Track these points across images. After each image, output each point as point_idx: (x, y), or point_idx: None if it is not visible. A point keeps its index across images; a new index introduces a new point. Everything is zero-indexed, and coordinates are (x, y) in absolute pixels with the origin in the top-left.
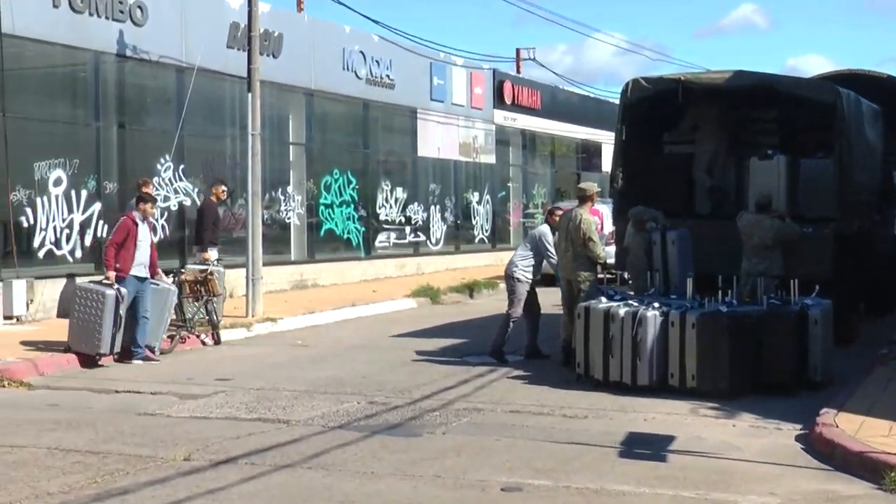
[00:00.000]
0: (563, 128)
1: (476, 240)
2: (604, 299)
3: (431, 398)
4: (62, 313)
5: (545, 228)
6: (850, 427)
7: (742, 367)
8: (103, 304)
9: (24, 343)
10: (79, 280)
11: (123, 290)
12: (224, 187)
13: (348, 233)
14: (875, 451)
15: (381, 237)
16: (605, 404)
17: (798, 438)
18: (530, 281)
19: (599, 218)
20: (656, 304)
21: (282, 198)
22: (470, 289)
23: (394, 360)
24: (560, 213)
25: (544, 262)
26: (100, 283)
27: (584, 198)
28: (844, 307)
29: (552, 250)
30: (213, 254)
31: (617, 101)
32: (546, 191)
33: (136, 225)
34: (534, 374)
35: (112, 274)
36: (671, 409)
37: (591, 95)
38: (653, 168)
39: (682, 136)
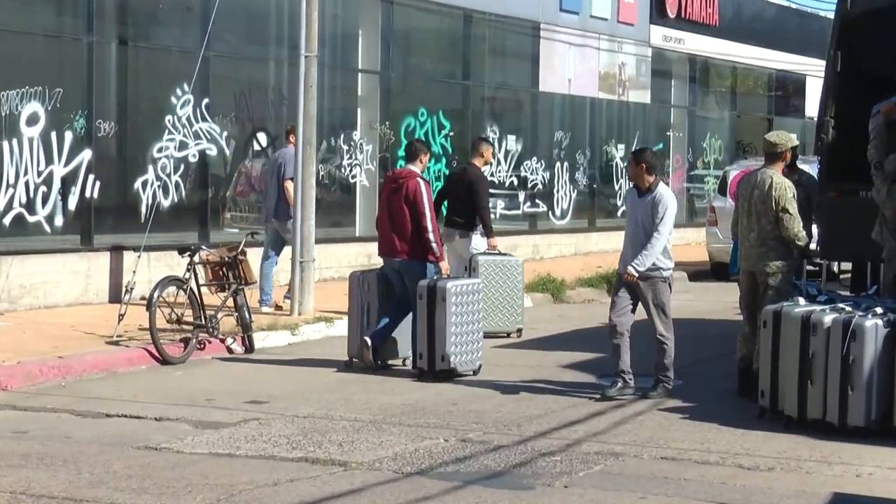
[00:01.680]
0: (750, 53)
1: (619, 212)
2: (802, 301)
3: (549, 436)
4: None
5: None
6: None
7: None
8: None
9: None
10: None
11: None
12: (490, 147)
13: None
14: None
15: None
16: (801, 452)
17: None
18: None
19: None
20: (879, 310)
21: (345, 147)
22: (609, 283)
23: (497, 381)
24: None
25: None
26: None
27: (774, 154)
28: None
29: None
30: (487, 242)
31: (831, 15)
32: (721, 144)
33: None
34: (698, 405)
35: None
36: None
37: (794, 6)
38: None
39: None
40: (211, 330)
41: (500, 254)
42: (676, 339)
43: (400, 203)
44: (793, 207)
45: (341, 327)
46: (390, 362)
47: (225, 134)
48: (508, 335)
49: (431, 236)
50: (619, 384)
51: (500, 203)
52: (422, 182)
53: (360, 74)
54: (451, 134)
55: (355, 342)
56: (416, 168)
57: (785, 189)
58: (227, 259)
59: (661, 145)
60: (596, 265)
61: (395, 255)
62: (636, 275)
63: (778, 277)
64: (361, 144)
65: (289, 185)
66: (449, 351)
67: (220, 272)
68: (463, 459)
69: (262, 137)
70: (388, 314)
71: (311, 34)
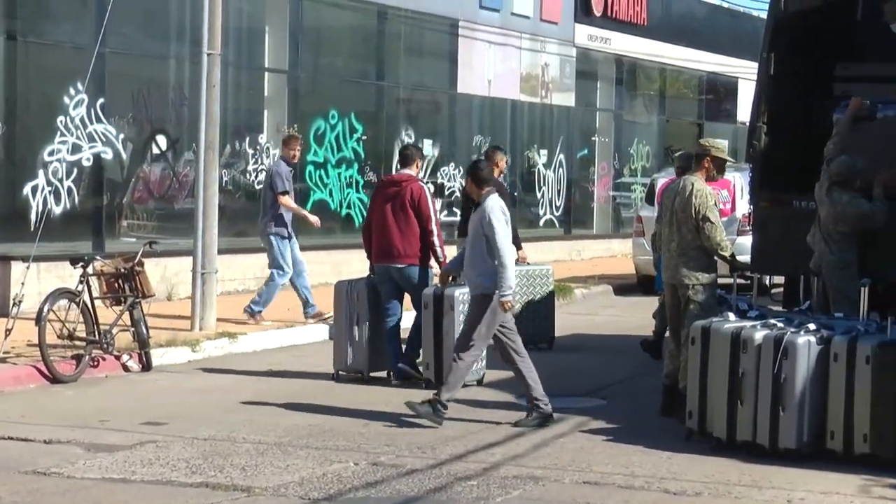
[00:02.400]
0: (680, 54)
1: (542, 222)
2: (732, 316)
3: (465, 459)
4: None
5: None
6: None
7: None
8: None
9: None
10: None
11: None
12: (504, 156)
13: (348, 206)
14: None
15: None
16: (730, 476)
17: None
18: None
19: (729, 192)
20: (812, 326)
21: (250, 152)
22: None
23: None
24: None
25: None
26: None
27: (699, 157)
28: None
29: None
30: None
31: (764, 15)
32: (650, 150)
33: None
34: (623, 426)
35: None
36: (830, 487)
37: (726, 6)
38: (817, 119)
39: (869, 69)
40: (105, 346)
41: (528, 264)
42: (604, 355)
43: (403, 207)
44: (714, 216)
45: (245, 343)
46: (373, 374)
47: (122, 136)
48: (536, 345)
49: (437, 240)
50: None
51: None
52: (424, 186)
53: (266, 74)
54: (364, 137)
55: (342, 354)
56: (412, 173)
57: (706, 196)
58: (122, 270)
59: (585, 151)
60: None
61: (393, 261)
62: (513, 305)
63: (699, 290)
64: (268, 148)
65: (282, 199)
66: None
67: (116, 284)
68: (374, 484)
69: (162, 140)
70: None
71: (213, 30)
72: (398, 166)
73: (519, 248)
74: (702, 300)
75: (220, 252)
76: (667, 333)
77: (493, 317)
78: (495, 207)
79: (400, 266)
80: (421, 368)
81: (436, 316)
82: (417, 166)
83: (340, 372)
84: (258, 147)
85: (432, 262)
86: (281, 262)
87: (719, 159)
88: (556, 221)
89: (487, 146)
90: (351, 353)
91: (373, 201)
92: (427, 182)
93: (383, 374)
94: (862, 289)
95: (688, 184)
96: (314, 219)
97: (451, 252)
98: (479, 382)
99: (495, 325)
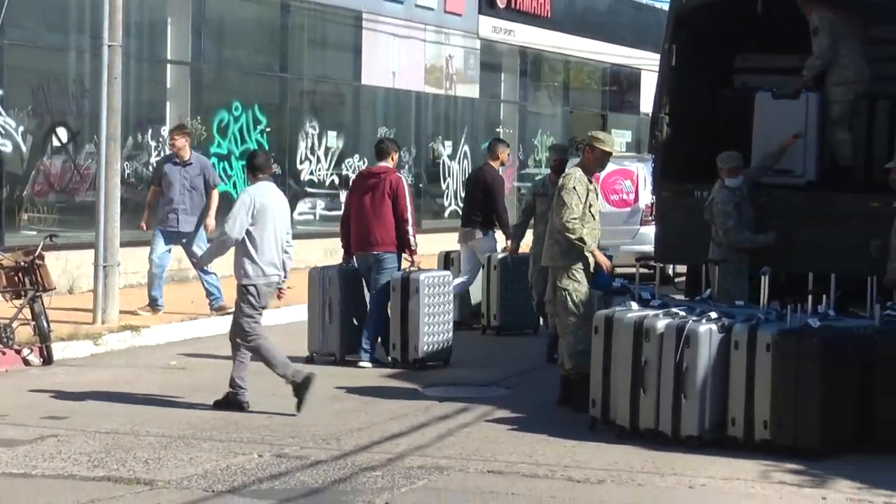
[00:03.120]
0: (584, 46)
1: (447, 212)
2: (634, 305)
3: (370, 450)
4: None
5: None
6: None
7: (840, 412)
8: None
9: None
10: None
11: None
12: (506, 148)
13: None
14: None
15: (304, 206)
16: (633, 463)
17: None
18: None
19: (632, 182)
20: (713, 315)
21: (152, 144)
22: None
23: (316, 393)
24: None
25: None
26: None
27: (585, 146)
28: None
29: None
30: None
31: (666, 7)
32: (554, 141)
33: None
34: (527, 416)
35: None
36: (731, 473)
37: None
38: (718, 110)
39: (768, 60)
40: (5, 340)
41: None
42: (507, 347)
43: (381, 197)
44: (568, 197)
45: (148, 336)
46: (348, 358)
47: (21, 129)
48: (522, 332)
49: (411, 230)
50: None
51: (321, 203)
52: (402, 178)
53: (168, 66)
54: (268, 129)
55: (316, 337)
56: (389, 165)
57: (567, 178)
58: (23, 264)
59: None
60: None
61: (370, 248)
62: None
63: (562, 274)
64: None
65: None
66: (422, 341)
67: (16, 278)
68: (278, 476)
69: (63, 132)
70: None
71: (114, 22)
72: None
73: (508, 236)
74: (568, 286)
75: (123, 245)
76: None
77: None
78: (243, 195)
79: (376, 252)
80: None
81: (402, 299)
82: (393, 158)
83: (315, 354)
84: (160, 139)
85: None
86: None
87: (598, 150)
88: (460, 213)
89: (491, 142)
90: (324, 336)
91: (351, 194)
92: (332, 174)
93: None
94: (762, 277)
95: (569, 174)
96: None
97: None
98: (446, 362)
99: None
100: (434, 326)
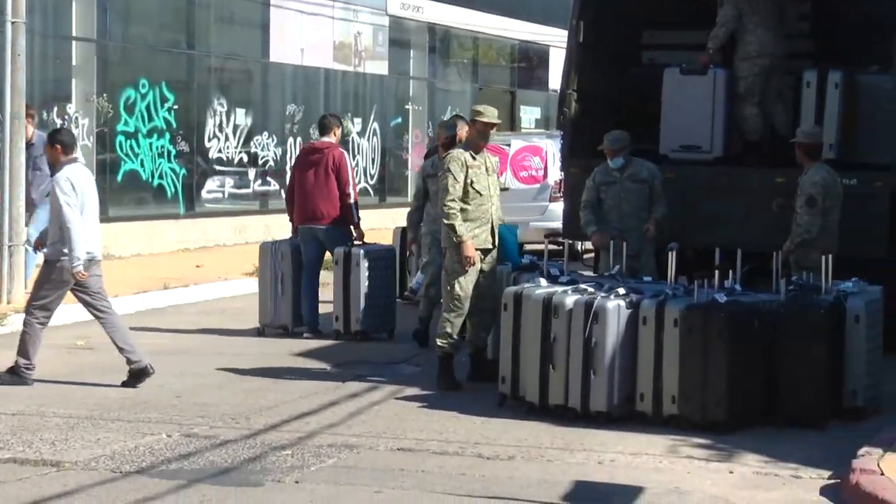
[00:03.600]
0: (492, 23)
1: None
2: (543, 282)
3: (280, 429)
4: None
5: None
6: None
7: (746, 387)
8: None
9: None
10: None
11: None
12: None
13: (160, 177)
14: None
15: (212, 184)
16: (542, 440)
17: (825, 491)
18: None
19: (541, 159)
20: (622, 290)
21: (58, 122)
22: None
23: (224, 372)
24: None
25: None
26: None
27: (473, 121)
28: None
29: None
30: None
31: None
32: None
33: None
34: (437, 393)
35: None
36: (640, 448)
37: None
38: (626, 86)
39: (675, 36)
40: None
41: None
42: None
43: (325, 172)
44: (444, 180)
45: (55, 316)
46: (296, 329)
47: None
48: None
49: (353, 203)
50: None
51: (229, 181)
52: (344, 153)
53: (74, 42)
54: (176, 107)
55: (267, 310)
56: (332, 140)
57: (445, 160)
58: None
59: (399, 119)
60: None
61: (317, 222)
62: (81, 272)
63: (446, 255)
64: (77, 118)
65: None
66: (362, 314)
67: None
68: (187, 456)
69: None
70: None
71: None
72: (318, 135)
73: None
74: (447, 264)
75: (28, 224)
76: None
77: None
78: (60, 179)
79: (324, 227)
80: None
81: (344, 272)
82: (335, 134)
83: (266, 326)
84: (67, 117)
85: None
86: None
87: (479, 122)
88: (370, 189)
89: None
90: (275, 309)
91: (295, 168)
92: (241, 152)
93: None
94: (670, 252)
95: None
96: None
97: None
98: (390, 335)
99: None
100: (376, 300)
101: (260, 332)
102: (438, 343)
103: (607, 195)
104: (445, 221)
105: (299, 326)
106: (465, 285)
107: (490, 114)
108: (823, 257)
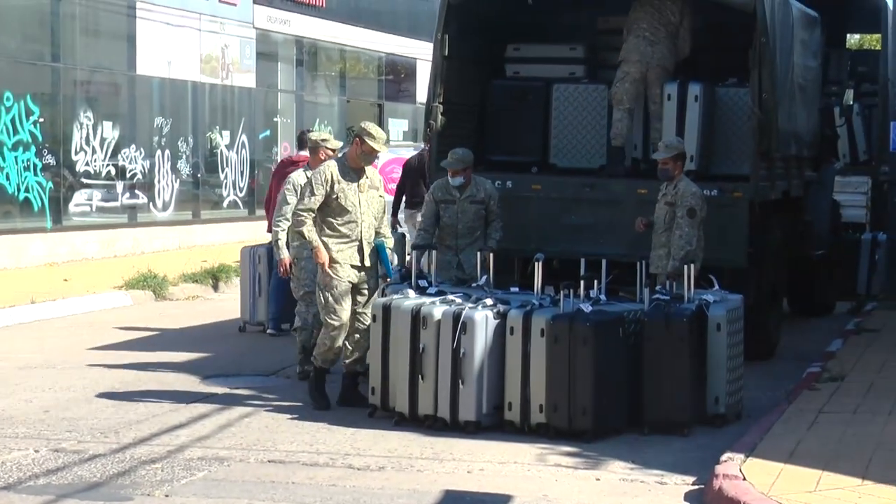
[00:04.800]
0: (359, 36)
1: (226, 202)
2: (411, 293)
3: (150, 443)
4: None
5: None
6: (763, 479)
7: (612, 395)
8: None
9: None
10: None
11: None
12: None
13: (26, 190)
14: None
15: (80, 198)
16: (412, 450)
17: (689, 497)
18: None
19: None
20: (489, 301)
21: None
22: (215, 277)
23: (94, 386)
24: None
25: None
26: None
27: (314, 149)
28: (761, 305)
29: None
30: None
31: None
32: (332, 130)
33: None
34: (307, 404)
35: None
36: (508, 456)
37: None
38: (490, 98)
39: (537, 50)
40: None
41: None
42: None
43: None
44: (304, 189)
45: None
46: (284, 326)
47: None
48: None
49: None
50: None
51: (97, 194)
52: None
53: None
54: (41, 120)
55: (247, 309)
56: (307, 154)
57: (301, 175)
58: None
59: (267, 132)
60: (201, 259)
61: None
62: None
63: (319, 270)
64: None
65: None
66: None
67: None
68: (55, 471)
69: None
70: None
71: None
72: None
73: None
74: (318, 280)
75: None
76: None
77: None
78: None
79: None
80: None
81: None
82: None
83: (246, 323)
84: None
85: None
86: None
87: (368, 146)
88: (239, 202)
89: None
90: (253, 308)
91: (273, 178)
92: (108, 165)
93: (286, 325)
94: (535, 263)
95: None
96: None
97: None
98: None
99: None
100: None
101: (241, 329)
102: (312, 358)
103: (445, 213)
104: (294, 229)
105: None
106: (338, 296)
107: (378, 140)
108: (686, 267)
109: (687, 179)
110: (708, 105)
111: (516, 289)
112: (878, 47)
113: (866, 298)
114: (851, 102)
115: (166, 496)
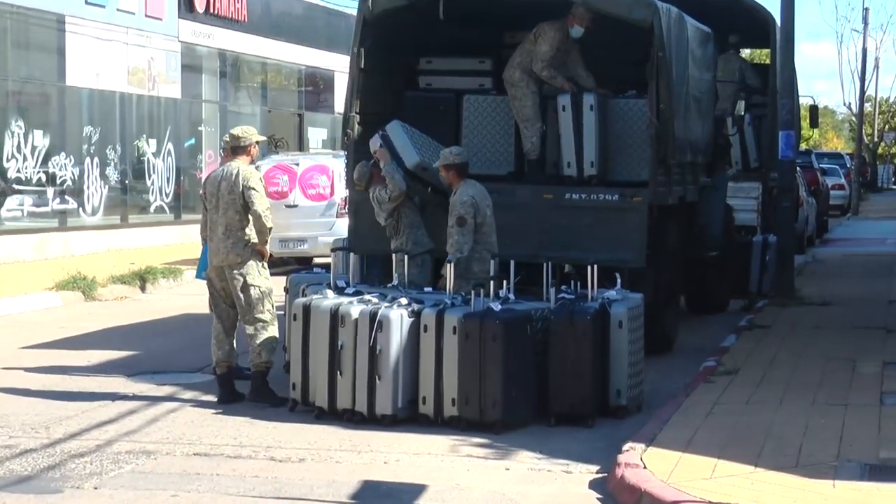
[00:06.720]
0: (280, 50)
1: (152, 208)
2: (330, 293)
3: (79, 437)
4: None
5: None
6: (662, 467)
7: (520, 389)
8: None
9: None
10: None
11: None
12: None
13: None
14: (694, 500)
15: (11, 203)
16: (331, 442)
17: (593, 485)
18: None
19: (328, 177)
20: (404, 300)
21: None
22: (142, 279)
23: (25, 384)
24: None
25: None
26: None
27: (238, 148)
28: (659, 303)
29: None
30: None
31: (356, 13)
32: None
33: None
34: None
35: None
36: (423, 448)
37: (322, 4)
38: (404, 109)
39: (449, 63)
40: None
41: None
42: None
43: None
44: (260, 187)
45: None
46: None
47: None
48: None
49: None
50: None
51: (28, 200)
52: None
53: None
54: None
55: None
56: None
57: (251, 173)
58: None
59: (193, 140)
60: (129, 262)
61: None
62: None
63: (250, 268)
64: None
65: None
66: None
67: None
68: None
69: None
70: None
71: None
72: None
73: None
74: (256, 281)
75: None
76: (214, 322)
77: None
78: None
79: None
80: None
81: None
82: None
83: None
84: None
85: None
86: None
87: (255, 147)
88: (166, 207)
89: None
90: None
91: None
92: (39, 172)
93: None
94: (448, 264)
95: (233, 168)
96: None
97: None
98: None
99: None
100: None
101: None
102: (270, 357)
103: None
104: (267, 224)
105: None
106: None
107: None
108: (589, 267)
109: (463, 188)
110: (603, 113)
111: (429, 289)
112: (768, 62)
113: (758, 296)
114: (743, 113)
115: (95, 489)
